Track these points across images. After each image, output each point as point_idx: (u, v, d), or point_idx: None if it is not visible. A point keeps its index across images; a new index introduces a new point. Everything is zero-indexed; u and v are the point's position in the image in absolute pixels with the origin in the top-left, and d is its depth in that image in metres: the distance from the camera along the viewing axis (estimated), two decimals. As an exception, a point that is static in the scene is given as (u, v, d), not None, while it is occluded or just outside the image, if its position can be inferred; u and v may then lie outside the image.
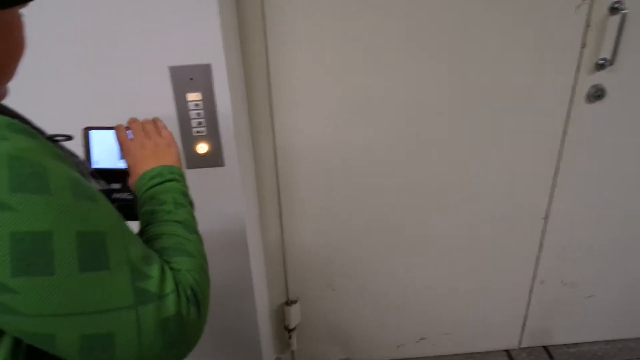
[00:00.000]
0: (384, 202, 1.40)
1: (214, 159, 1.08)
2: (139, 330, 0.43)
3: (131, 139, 0.68)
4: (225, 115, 1.03)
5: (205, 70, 0.97)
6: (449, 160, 1.36)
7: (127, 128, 0.70)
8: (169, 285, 0.47)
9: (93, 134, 0.72)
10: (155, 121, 0.73)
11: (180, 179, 0.65)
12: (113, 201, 0.66)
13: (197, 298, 0.50)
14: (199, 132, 1.04)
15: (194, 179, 1.10)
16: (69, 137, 0.60)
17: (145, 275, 0.45)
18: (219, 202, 1.13)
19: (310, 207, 1.39)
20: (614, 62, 1.23)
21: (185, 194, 0.64)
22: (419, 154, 1.34)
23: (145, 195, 0.61)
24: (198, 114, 1.02)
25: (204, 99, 1.00)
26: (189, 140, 1.05)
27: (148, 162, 0.65)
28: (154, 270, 0.46)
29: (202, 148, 1.06)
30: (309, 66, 1.20)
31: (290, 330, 1.56)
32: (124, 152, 0.68)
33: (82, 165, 0.63)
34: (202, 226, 1.14)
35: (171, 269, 0.50)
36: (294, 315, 1.53)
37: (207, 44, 0.95)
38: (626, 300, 1.65)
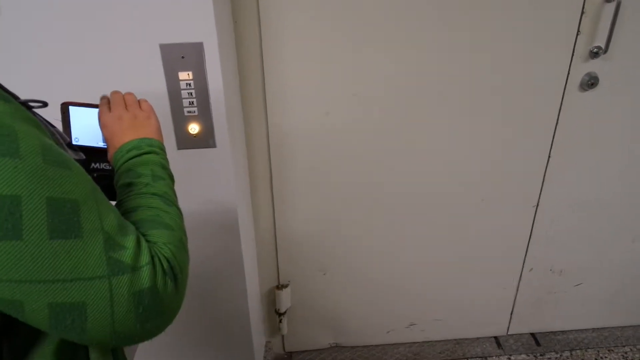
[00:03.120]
0: (376, 188, 1.40)
1: (205, 140, 1.07)
2: (112, 301, 0.43)
3: (109, 112, 0.66)
4: (217, 95, 1.02)
5: (197, 49, 0.96)
6: (441, 148, 1.36)
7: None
8: (145, 257, 0.46)
9: (73, 110, 0.70)
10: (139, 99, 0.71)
11: (160, 151, 0.63)
12: (91, 172, 0.65)
13: (174, 271, 0.49)
14: (190, 112, 1.03)
15: (185, 160, 1.10)
16: (44, 104, 0.59)
17: (120, 246, 0.44)
18: (210, 184, 1.13)
19: (302, 191, 1.38)
20: (607, 50, 1.23)
21: (165, 167, 0.62)
22: (412, 141, 1.34)
23: (122, 168, 0.60)
24: (189, 93, 1.01)
25: (195, 78, 0.99)
26: (180, 120, 1.04)
27: (126, 135, 0.63)
28: (129, 242, 0.46)
29: (194, 128, 1.05)
30: (302, 47, 1.19)
31: (280, 314, 1.56)
32: (101, 125, 0.66)
33: (59, 134, 0.61)
34: (193, 208, 1.15)
35: (147, 241, 0.49)
36: (285, 299, 1.54)
37: (199, 22, 0.94)
38: (613, 289, 1.67)
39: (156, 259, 0.47)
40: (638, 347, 1.67)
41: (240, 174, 1.24)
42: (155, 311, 0.46)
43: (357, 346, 1.69)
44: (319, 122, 1.28)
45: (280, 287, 1.53)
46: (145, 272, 0.45)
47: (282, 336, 1.65)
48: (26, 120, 0.42)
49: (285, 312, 1.57)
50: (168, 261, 0.49)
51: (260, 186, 1.38)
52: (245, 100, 1.26)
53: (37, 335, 0.47)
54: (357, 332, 1.67)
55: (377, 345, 1.70)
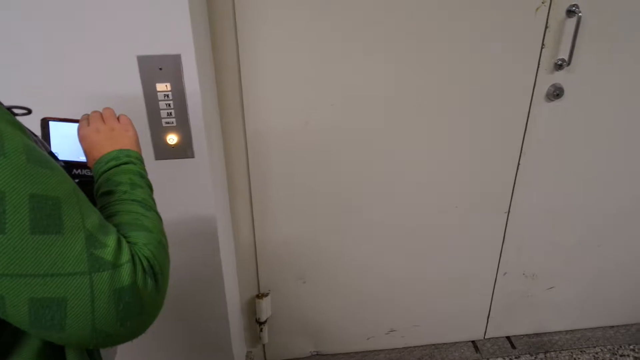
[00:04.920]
0: (354, 196, 1.43)
1: (183, 150, 1.08)
2: (92, 297, 0.44)
3: (87, 126, 0.68)
4: (195, 106, 1.03)
5: (174, 61, 0.98)
6: (416, 157, 1.39)
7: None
8: (125, 256, 0.47)
9: (53, 125, 0.71)
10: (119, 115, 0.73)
11: (137, 161, 0.65)
12: (73, 177, 0.66)
13: (154, 270, 0.51)
14: (168, 122, 1.04)
15: (164, 170, 1.10)
16: (28, 111, 0.60)
17: (101, 244, 0.46)
18: (189, 194, 1.14)
19: (282, 200, 1.40)
20: (570, 62, 1.30)
21: (143, 176, 0.64)
22: (388, 151, 1.37)
23: (101, 178, 0.61)
24: (167, 104, 1.02)
25: (173, 89, 1.01)
26: (158, 131, 1.05)
27: (104, 147, 0.65)
28: (110, 240, 0.47)
29: (172, 139, 1.06)
30: (280, 57, 1.22)
31: (261, 324, 1.57)
32: (80, 138, 0.67)
33: (40, 142, 0.63)
34: (172, 217, 1.15)
35: (128, 242, 0.50)
36: (265, 308, 1.54)
37: (176, 33, 0.96)
38: (583, 292, 1.72)
39: (136, 258, 0.49)
40: (608, 347, 1.73)
41: (219, 183, 1.25)
42: (136, 309, 0.47)
43: (338, 354, 1.70)
44: (298, 131, 1.31)
45: (260, 296, 1.53)
46: (125, 270, 0.47)
47: (263, 345, 1.65)
48: (11, 123, 0.43)
49: (265, 321, 1.57)
50: (148, 260, 0.51)
51: (239, 195, 1.39)
52: (223, 110, 1.27)
53: (18, 337, 0.48)
54: (338, 340, 1.68)
55: (357, 352, 1.71)
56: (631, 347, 1.73)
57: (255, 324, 1.58)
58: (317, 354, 1.70)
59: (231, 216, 1.42)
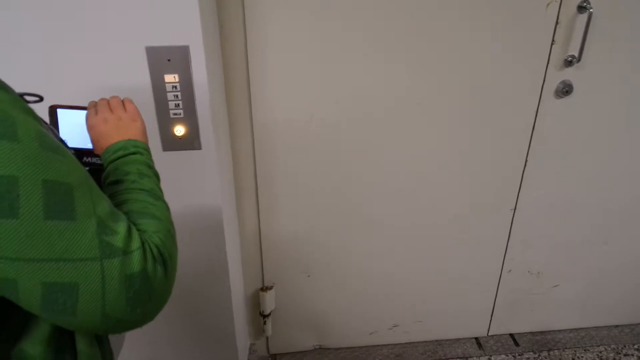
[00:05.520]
0: (360, 191, 1.43)
1: (191, 141, 1.09)
2: (103, 283, 0.44)
3: (95, 115, 0.68)
4: (202, 97, 1.03)
5: (183, 52, 0.98)
6: (423, 154, 1.39)
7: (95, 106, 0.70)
8: (135, 243, 0.48)
9: (61, 112, 0.72)
10: (123, 99, 0.74)
11: (145, 152, 0.66)
12: (83, 165, 0.67)
13: (163, 258, 0.51)
14: (176, 114, 1.04)
15: (171, 161, 1.11)
16: (40, 98, 0.60)
17: (112, 230, 0.46)
18: (195, 186, 1.14)
19: (287, 193, 1.40)
20: (580, 59, 1.29)
21: (150, 166, 0.64)
22: (395, 149, 1.37)
23: (109, 168, 0.62)
24: (175, 95, 1.02)
25: (181, 81, 1.01)
26: (165, 122, 1.05)
27: (112, 137, 0.65)
28: (121, 227, 0.48)
29: (179, 130, 1.07)
30: (288, 51, 1.21)
31: (265, 316, 1.57)
32: (88, 128, 0.68)
33: (51, 130, 0.63)
34: (179, 208, 1.16)
35: (138, 230, 0.51)
36: (269, 301, 1.55)
37: (185, 25, 0.96)
38: (589, 290, 1.72)
39: (146, 245, 0.50)
40: (612, 346, 1.72)
41: (226, 175, 1.25)
42: (146, 296, 0.48)
43: (341, 348, 1.71)
44: (305, 125, 1.31)
45: (264, 289, 1.54)
46: (136, 257, 0.47)
47: (267, 338, 1.66)
48: (24, 109, 0.44)
49: (269, 314, 1.58)
50: (157, 248, 0.51)
51: (245, 188, 1.40)
52: (230, 103, 1.27)
53: (28, 322, 0.48)
54: (341, 334, 1.68)
55: (360, 347, 1.72)
56: (635, 346, 1.73)
57: (259, 316, 1.59)
58: (320, 348, 1.70)
59: (237, 209, 1.42)
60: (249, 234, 1.47)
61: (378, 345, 1.72)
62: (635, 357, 1.68)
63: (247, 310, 1.59)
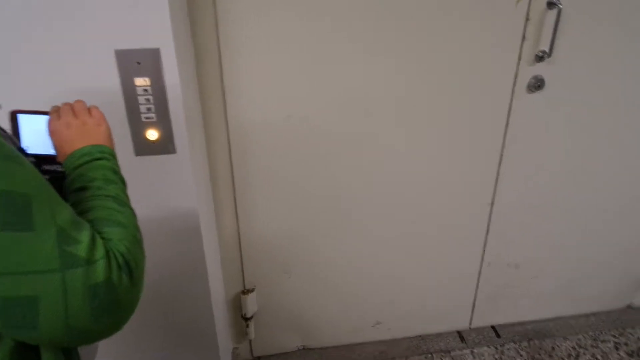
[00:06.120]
0: (338, 191, 1.43)
1: (165, 146, 1.07)
2: (65, 295, 0.43)
3: (57, 119, 0.66)
4: (175, 100, 1.02)
5: (153, 55, 0.96)
6: (400, 150, 1.40)
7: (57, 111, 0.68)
8: (99, 252, 0.47)
9: (22, 118, 0.69)
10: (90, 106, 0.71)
11: (111, 157, 0.64)
12: (44, 173, 0.64)
13: (129, 266, 0.50)
14: (148, 117, 1.02)
15: (145, 166, 1.09)
16: None
17: (74, 240, 0.45)
18: (171, 190, 1.12)
19: (265, 194, 1.39)
20: (551, 54, 1.31)
21: (116, 172, 0.63)
22: (372, 144, 1.37)
23: (73, 174, 0.60)
24: (147, 99, 1.00)
25: (152, 84, 0.99)
26: (138, 127, 1.03)
27: (75, 142, 0.63)
28: (84, 236, 0.46)
29: (152, 135, 1.05)
30: (262, 50, 1.20)
31: (247, 319, 1.56)
32: (49, 133, 0.65)
33: (9, 138, 0.61)
34: (154, 213, 1.14)
35: (102, 238, 0.49)
36: (251, 304, 1.54)
37: (155, 27, 0.94)
38: (566, 280, 1.76)
39: (111, 254, 0.48)
40: (590, 333, 1.77)
41: (202, 178, 1.24)
42: (111, 305, 0.47)
43: (325, 347, 1.71)
44: (281, 125, 1.30)
45: (245, 292, 1.53)
46: (100, 266, 0.46)
47: (250, 341, 1.65)
48: None
49: (251, 317, 1.57)
50: (123, 256, 0.50)
51: (222, 191, 1.38)
52: (205, 105, 1.26)
53: None
54: (325, 334, 1.68)
55: (344, 345, 1.72)
56: (612, 332, 1.77)
57: (241, 319, 1.58)
58: (304, 348, 1.70)
59: (215, 212, 1.41)
60: (228, 236, 1.45)
61: (362, 343, 1.73)
62: (612, 343, 1.72)
63: (228, 314, 1.57)
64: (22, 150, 0.66)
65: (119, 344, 1.28)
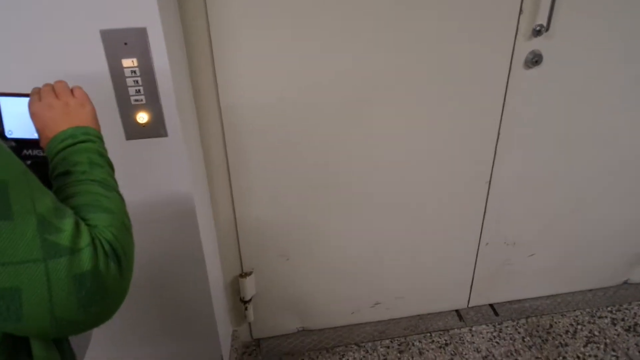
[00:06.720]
0: (335, 172, 1.41)
1: (156, 129, 1.04)
2: (49, 285, 0.42)
3: (39, 101, 0.63)
4: (165, 82, 0.99)
5: (140, 34, 0.93)
6: (396, 130, 1.38)
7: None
8: (84, 240, 0.45)
9: (3, 100, 0.67)
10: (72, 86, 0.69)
11: (96, 139, 0.61)
12: (24, 159, 0.62)
13: (116, 254, 0.48)
14: (137, 100, 1.00)
15: (136, 150, 1.07)
16: None
17: (56, 228, 0.43)
18: (164, 174, 1.10)
19: (261, 176, 1.38)
20: (549, 28, 1.28)
21: (103, 155, 0.60)
22: (368, 125, 1.35)
23: (57, 158, 0.57)
24: (135, 81, 0.98)
25: (140, 65, 0.96)
26: (127, 110, 1.01)
27: (58, 124, 0.60)
28: (67, 224, 0.44)
29: (142, 117, 1.02)
30: (253, 30, 1.17)
31: (245, 302, 1.56)
32: (30, 115, 0.62)
33: None
34: (148, 199, 1.12)
35: (88, 225, 0.48)
36: (249, 287, 1.53)
37: (140, 5, 0.91)
38: (563, 258, 1.76)
39: (97, 242, 0.47)
40: (587, 310, 1.78)
41: (195, 161, 1.22)
42: (99, 295, 0.45)
43: (324, 328, 1.72)
44: (274, 105, 1.28)
45: (243, 275, 1.52)
46: (85, 255, 0.44)
47: (249, 324, 1.65)
48: None
49: (250, 300, 1.57)
50: (110, 244, 0.48)
51: (217, 173, 1.36)
52: (196, 86, 1.23)
53: None
54: (323, 315, 1.69)
55: (343, 326, 1.73)
56: (609, 308, 1.78)
57: (240, 303, 1.58)
58: (304, 330, 1.71)
59: (210, 195, 1.39)
60: (224, 219, 1.44)
61: (361, 324, 1.74)
62: (609, 319, 1.73)
63: (227, 298, 1.57)
64: (3, 136, 0.64)
65: (116, 330, 1.28)
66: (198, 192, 1.21)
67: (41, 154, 0.65)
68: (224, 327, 1.49)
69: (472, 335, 1.69)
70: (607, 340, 1.65)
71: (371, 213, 1.51)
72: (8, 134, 0.67)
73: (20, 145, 0.66)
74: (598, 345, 1.63)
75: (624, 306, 1.79)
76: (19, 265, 0.40)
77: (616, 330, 1.69)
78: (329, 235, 1.52)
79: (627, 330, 1.69)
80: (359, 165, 1.41)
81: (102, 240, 0.47)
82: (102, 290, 0.45)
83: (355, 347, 1.65)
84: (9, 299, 0.40)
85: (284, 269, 1.55)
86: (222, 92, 1.24)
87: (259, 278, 1.55)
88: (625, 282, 1.89)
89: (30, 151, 0.66)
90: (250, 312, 1.59)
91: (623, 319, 1.73)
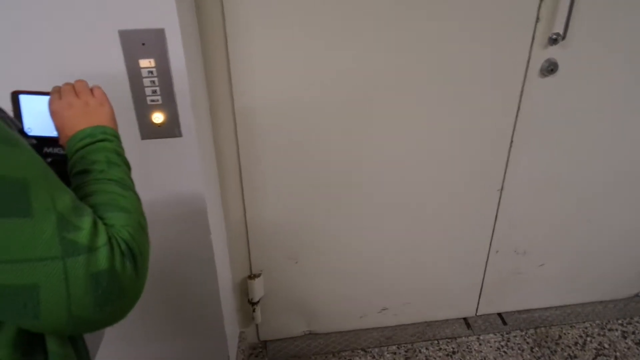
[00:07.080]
0: (346, 175, 1.41)
1: (170, 129, 1.05)
2: (67, 283, 0.42)
3: (59, 99, 0.64)
4: (181, 82, 1.00)
5: (158, 35, 0.94)
6: (409, 135, 1.37)
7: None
8: (102, 239, 0.45)
9: (24, 98, 0.68)
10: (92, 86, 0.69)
11: (114, 139, 0.62)
12: (45, 156, 0.63)
13: (132, 253, 0.48)
14: (153, 100, 1.01)
15: (151, 150, 1.07)
16: None
17: (75, 227, 0.43)
18: (177, 174, 1.11)
19: (272, 179, 1.38)
20: (565, 36, 1.27)
21: (120, 154, 0.61)
22: (381, 130, 1.35)
23: (75, 156, 0.58)
24: (152, 81, 0.99)
25: (157, 66, 0.97)
26: (143, 110, 1.02)
27: (78, 123, 0.61)
28: (85, 223, 0.45)
29: (158, 118, 1.03)
30: (269, 32, 1.18)
31: (254, 304, 1.56)
32: (51, 114, 0.63)
33: (10, 120, 0.59)
34: (160, 199, 1.13)
35: (105, 224, 0.48)
36: (258, 288, 1.54)
37: (159, 6, 0.91)
38: (574, 268, 1.74)
39: (114, 241, 0.47)
40: (597, 322, 1.75)
41: (208, 162, 1.23)
42: (115, 294, 0.45)
43: (331, 332, 1.71)
44: (288, 107, 1.28)
45: (252, 276, 1.52)
46: (102, 254, 0.44)
47: (256, 325, 1.65)
48: None
49: (258, 302, 1.57)
50: (126, 243, 0.48)
51: (229, 175, 1.37)
52: (211, 87, 1.24)
53: None
54: (331, 319, 1.68)
55: (350, 331, 1.72)
56: (619, 321, 1.76)
57: (248, 304, 1.58)
58: (310, 333, 1.71)
59: (221, 197, 1.40)
60: (234, 221, 1.45)
61: (368, 329, 1.73)
62: (619, 332, 1.71)
63: (235, 299, 1.58)
64: (22, 133, 0.65)
65: (126, 329, 1.28)
66: (210, 192, 1.21)
67: (62, 152, 0.66)
68: (232, 327, 1.49)
69: (480, 344, 1.68)
70: (617, 354, 1.62)
71: (382, 218, 1.50)
72: (27, 132, 0.67)
73: (41, 143, 0.67)
74: (608, 358, 1.61)
75: (635, 319, 1.76)
76: (38, 263, 0.41)
77: (627, 343, 1.67)
78: (337, 238, 1.52)
79: (638, 344, 1.66)
80: (370, 170, 1.41)
81: (119, 240, 0.48)
82: (118, 289, 0.46)
83: (362, 353, 1.65)
84: (27, 296, 0.41)
85: (292, 271, 1.55)
86: (236, 92, 1.24)
87: (268, 280, 1.56)
88: (637, 295, 1.86)
89: (51, 149, 0.67)
90: (258, 313, 1.59)
91: (634, 332, 1.71)
